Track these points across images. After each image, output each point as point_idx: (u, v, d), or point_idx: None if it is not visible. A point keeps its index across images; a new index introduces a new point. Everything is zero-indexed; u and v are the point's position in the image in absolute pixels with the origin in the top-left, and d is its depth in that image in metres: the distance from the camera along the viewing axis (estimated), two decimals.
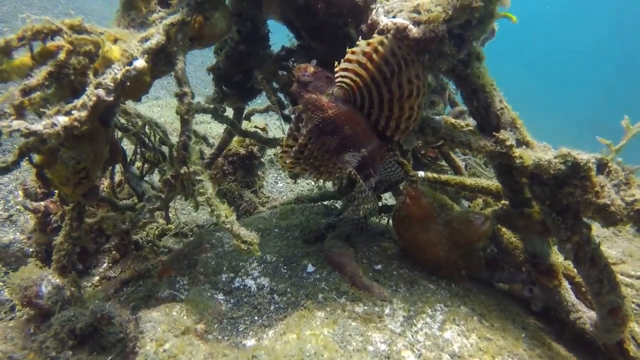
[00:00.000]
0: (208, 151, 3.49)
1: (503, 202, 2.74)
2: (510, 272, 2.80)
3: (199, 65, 14.47)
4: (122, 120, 2.59)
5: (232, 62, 2.72)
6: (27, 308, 2.34)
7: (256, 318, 2.39)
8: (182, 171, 2.10)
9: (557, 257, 2.70)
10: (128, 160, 2.62)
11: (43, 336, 2.18)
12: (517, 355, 2.22)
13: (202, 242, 2.85)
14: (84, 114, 1.86)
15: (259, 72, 2.63)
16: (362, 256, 2.71)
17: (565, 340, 2.73)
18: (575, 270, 2.81)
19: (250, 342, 2.20)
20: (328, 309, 2.30)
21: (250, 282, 2.62)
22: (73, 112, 1.86)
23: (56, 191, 2.62)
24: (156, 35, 2.01)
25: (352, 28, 2.48)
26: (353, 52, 1.98)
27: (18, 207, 3.47)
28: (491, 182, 2.86)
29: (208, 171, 3.22)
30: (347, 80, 2.03)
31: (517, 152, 2.20)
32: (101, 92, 1.87)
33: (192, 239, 2.94)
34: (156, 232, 3.21)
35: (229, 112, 3.09)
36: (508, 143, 2.19)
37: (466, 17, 2.04)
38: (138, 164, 2.65)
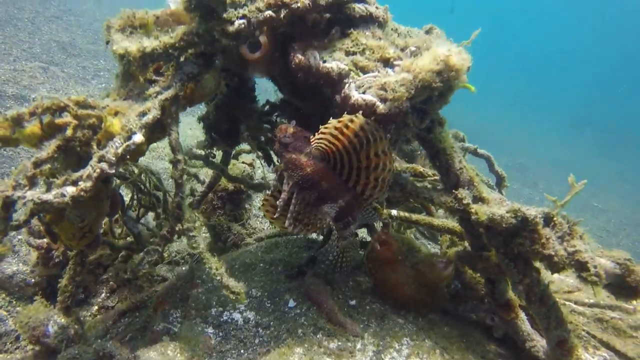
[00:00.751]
0: (199, 188, 3.76)
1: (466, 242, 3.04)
2: (473, 304, 3.11)
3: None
4: (120, 169, 2.85)
5: (221, 112, 2.97)
6: (35, 345, 2.59)
7: (242, 351, 2.66)
8: (177, 228, 2.36)
9: (514, 293, 3.00)
10: (125, 205, 2.88)
11: None
12: None
13: (193, 276, 3.11)
14: (89, 184, 2.12)
15: (245, 127, 2.89)
16: (338, 292, 3.00)
17: None
18: None
19: None
20: (306, 345, 2.58)
21: (237, 316, 2.89)
22: (79, 183, 2.12)
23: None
24: (152, 110, 2.27)
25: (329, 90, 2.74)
26: (326, 127, 2.23)
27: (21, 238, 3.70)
28: (456, 223, 3.15)
29: (197, 209, 3.49)
30: (323, 145, 2.29)
31: (474, 208, 2.48)
32: (104, 165, 2.12)
33: (184, 271, 3.20)
34: (121, 264, 3.48)
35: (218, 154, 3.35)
36: (465, 201, 2.48)
37: (427, 94, 2.33)
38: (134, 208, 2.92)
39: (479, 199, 2.58)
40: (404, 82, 2.28)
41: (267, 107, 2.98)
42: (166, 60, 2.39)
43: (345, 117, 2.19)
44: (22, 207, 2.11)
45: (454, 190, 2.53)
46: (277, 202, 2.41)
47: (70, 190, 2.09)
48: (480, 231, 2.78)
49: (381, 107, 2.30)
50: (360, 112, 2.31)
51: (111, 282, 3.31)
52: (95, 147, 2.23)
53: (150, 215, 3.28)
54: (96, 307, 3.28)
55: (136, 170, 2.86)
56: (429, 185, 2.70)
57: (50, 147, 2.19)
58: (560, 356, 2.77)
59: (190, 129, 6.19)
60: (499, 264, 2.77)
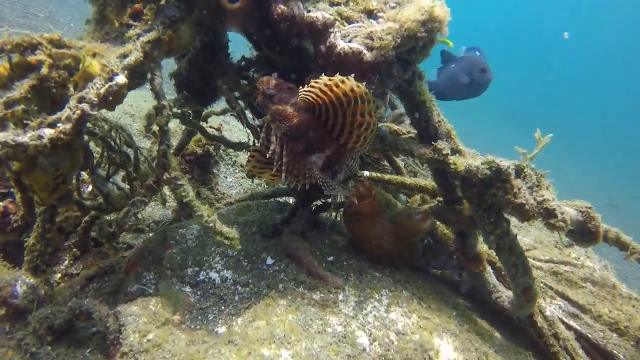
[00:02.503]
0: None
1: (438, 199, 3.14)
2: (443, 260, 3.22)
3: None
4: (89, 125, 2.70)
5: (194, 69, 2.88)
6: (3, 307, 2.43)
7: (223, 308, 2.62)
8: (164, 177, 2.28)
9: (482, 247, 3.14)
10: (94, 162, 2.73)
11: (22, 333, 2.30)
12: (450, 330, 2.62)
13: (166, 239, 3.02)
14: (68, 126, 2.00)
15: (223, 82, 2.83)
16: (315, 249, 3.01)
17: (488, 316, 3.21)
18: (496, 257, 3.27)
19: (221, 329, 2.44)
20: (289, 297, 2.58)
21: (214, 275, 2.84)
22: (58, 124, 2.00)
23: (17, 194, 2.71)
24: (134, 52, 2.17)
25: (308, 44, 2.73)
26: (316, 82, 2.20)
27: None
28: (428, 181, 3.25)
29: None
30: (310, 97, 2.27)
31: (452, 159, 2.57)
32: (86, 106, 2.01)
33: (154, 235, 3.10)
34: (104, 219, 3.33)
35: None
36: (444, 152, 2.56)
37: (412, 45, 2.38)
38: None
39: (456, 151, 2.67)
40: (390, 31, 2.31)
41: (242, 63, 2.93)
42: (145, 1, 2.30)
43: (337, 77, 2.17)
44: None
45: (432, 142, 2.60)
46: (268, 154, 2.36)
47: (49, 132, 1.97)
48: (455, 183, 2.88)
49: (368, 55, 2.32)
50: (346, 61, 2.34)
51: (74, 249, 3.15)
52: (72, 89, 2.11)
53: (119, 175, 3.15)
54: (59, 275, 3.10)
55: (106, 126, 2.72)
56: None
57: (22, 86, 2.04)
58: (524, 303, 2.93)
59: (144, 101, 5.96)
60: (471, 216, 2.89)
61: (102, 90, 2.05)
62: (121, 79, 2.10)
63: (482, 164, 2.62)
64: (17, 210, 3.04)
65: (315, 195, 3.27)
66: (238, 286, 2.78)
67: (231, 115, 3.20)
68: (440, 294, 3.04)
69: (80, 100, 2.04)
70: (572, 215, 2.65)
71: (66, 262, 3.17)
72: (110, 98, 2.11)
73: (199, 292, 2.73)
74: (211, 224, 2.28)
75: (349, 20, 2.45)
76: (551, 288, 3.40)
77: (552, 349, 2.98)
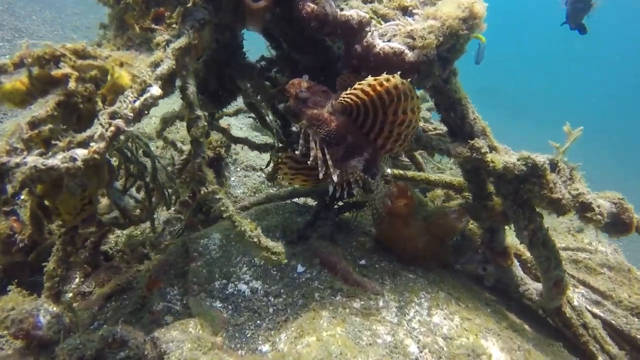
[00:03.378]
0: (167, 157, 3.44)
1: (465, 195, 3.09)
2: (470, 255, 3.19)
3: None
4: None
5: (210, 71, 2.71)
6: (24, 340, 2.25)
7: (259, 322, 2.51)
8: (201, 192, 2.13)
9: (509, 240, 3.11)
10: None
11: None
12: (491, 330, 2.59)
13: (187, 250, 2.87)
14: (102, 145, 1.82)
15: (247, 84, 2.67)
16: (345, 253, 2.92)
17: (514, 309, 3.20)
18: (521, 249, 3.27)
19: (264, 347, 2.33)
20: (330, 308, 2.49)
21: (243, 287, 2.71)
22: (91, 143, 1.82)
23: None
24: (166, 61, 1.99)
25: (337, 42, 2.60)
26: (360, 83, 2.08)
27: None
28: (453, 177, 3.19)
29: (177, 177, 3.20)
30: (349, 100, 2.16)
31: (489, 157, 2.51)
32: (120, 122, 1.83)
33: (173, 247, 2.93)
34: (125, 240, 3.14)
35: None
36: (483, 150, 2.49)
37: (452, 43, 2.28)
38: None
39: (491, 148, 2.61)
40: (432, 29, 2.21)
41: (262, 63, 2.77)
42: (171, 3, 2.11)
43: (383, 76, 2.06)
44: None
45: (469, 140, 2.54)
46: (309, 161, 2.21)
47: (82, 153, 1.79)
48: (487, 180, 2.83)
49: (410, 55, 2.22)
50: (386, 61, 2.22)
51: (85, 266, 2.95)
52: (100, 103, 1.93)
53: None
54: (71, 295, 2.91)
55: (122, 137, 2.52)
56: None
57: (48, 103, 1.85)
58: (556, 295, 2.93)
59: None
60: (503, 212, 2.85)
61: (137, 104, 1.87)
62: (156, 90, 1.93)
63: (518, 160, 2.58)
64: (23, 229, 2.83)
65: (339, 197, 3.16)
66: (270, 297, 2.66)
67: (248, 117, 3.04)
68: (472, 291, 3.01)
69: (113, 115, 1.86)
70: (606, 207, 2.64)
71: (77, 279, 2.97)
72: (146, 112, 1.94)
73: (230, 307, 2.61)
74: (255, 240, 2.15)
75: (384, 18, 2.33)
76: (573, 277, 3.42)
77: (582, 339, 3.00)
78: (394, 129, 2.22)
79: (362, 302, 2.56)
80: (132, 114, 1.86)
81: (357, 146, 2.28)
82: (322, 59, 2.62)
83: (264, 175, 4.86)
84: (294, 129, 2.24)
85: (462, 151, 2.53)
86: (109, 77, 1.92)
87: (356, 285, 2.66)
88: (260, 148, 3.15)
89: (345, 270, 2.71)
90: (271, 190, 4.63)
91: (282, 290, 2.69)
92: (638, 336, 3.12)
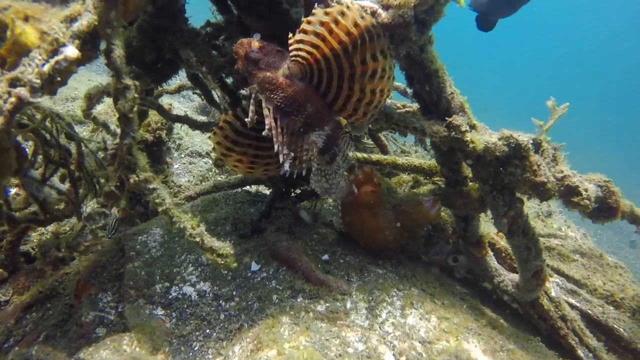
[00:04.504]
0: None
1: (435, 180, 2.81)
2: (440, 246, 2.93)
3: None
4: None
5: (146, 38, 2.29)
6: None
7: (208, 332, 2.15)
8: (131, 180, 1.73)
9: (482, 228, 2.87)
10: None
11: None
12: (472, 330, 2.33)
13: (122, 249, 2.45)
14: (0, 121, 1.41)
15: (190, 52, 2.26)
16: (305, 247, 2.58)
17: (487, 302, 2.98)
18: (494, 238, 3.03)
19: None
20: (292, 313, 2.16)
21: (189, 290, 2.34)
22: None
23: None
24: (86, 15, 1.58)
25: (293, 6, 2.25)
26: (309, 22, 1.72)
27: None
28: (422, 160, 2.90)
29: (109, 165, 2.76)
30: (303, 54, 1.78)
31: (469, 137, 2.23)
32: (23, 92, 1.42)
33: (107, 245, 2.51)
34: (50, 238, 2.69)
35: None
36: (462, 129, 2.21)
37: (432, 2, 1.97)
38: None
39: (470, 126, 2.33)
40: None
41: (208, 29, 2.37)
42: None
43: (335, 7, 1.71)
44: None
45: (447, 118, 2.24)
46: (265, 132, 1.82)
47: None
48: (459, 162, 2.56)
49: (384, 15, 1.89)
50: None
51: (0, 270, 2.48)
52: None
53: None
54: None
55: (38, 115, 2.08)
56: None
57: None
58: (535, 286, 2.72)
59: (88, 80, 5.04)
60: (479, 198, 2.59)
61: (46, 68, 1.46)
62: (71, 51, 1.51)
63: (500, 139, 2.32)
64: None
65: (296, 183, 2.81)
66: (221, 301, 2.31)
67: (194, 93, 2.63)
68: (445, 285, 2.75)
69: (14, 82, 1.44)
70: (592, 190, 2.42)
71: None
72: (58, 78, 1.53)
73: (174, 314, 2.23)
74: (198, 239, 1.77)
75: None
76: (547, 265, 3.23)
77: (560, 332, 2.81)
78: (365, 87, 1.86)
79: (327, 304, 2.24)
80: (39, 80, 1.45)
81: (318, 118, 1.90)
82: (278, 25, 2.25)
83: (211, 161, 4.44)
84: (242, 91, 1.84)
85: (439, 130, 2.24)
86: (8, 34, 1.49)
87: (320, 285, 2.33)
88: (203, 127, 2.74)
89: (306, 267, 2.38)
90: (219, 178, 4.23)
91: (234, 293, 2.34)
92: (615, 326, 2.97)
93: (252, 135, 2.01)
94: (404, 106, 2.75)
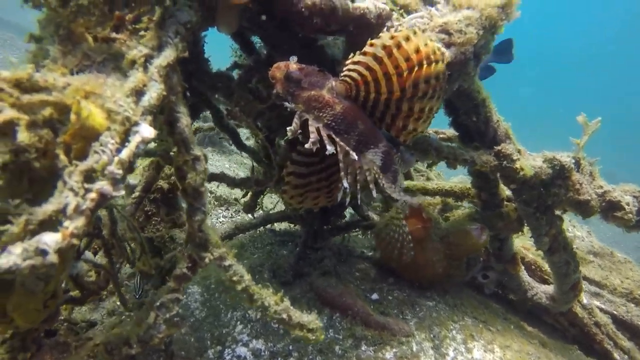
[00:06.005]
0: None
1: (472, 202, 2.79)
2: (476, 268, 2.90)
3: None
4: None
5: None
6: None
7: None
8: (205, 259, 1.58)
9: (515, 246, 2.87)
10: None
11: None
12: (532, 355, 2.33)
13: (155, 322, 2.26)
14: (81, 223, 1.21)
15: (220, 97, 2.09)
16: (353, 288, 2.48)
17: (519, 315, 2.99)
18: (523, 251, 3.05)
19: None
20: None
21: (243, 351, 2.19)
22: (64, 222, 1.20)
23: None
24: (153, 84, 1.40)
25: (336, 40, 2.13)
26: (372, 45, 1.62)
27: None
28: (452, 184, 2.86)
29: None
30: (355, 75, 1.68)
31: (518, 164, 2.20)
32: (106, 186, 1.23)
33: (139, 310, 2.30)
34: (116, 333, 2.43)
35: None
36: (514, 157, 2.18)
37: (489, 37, 1.92)
38: None
39: (518, 153, 2.30)
40: (471, 21, 1.82)
41: (236, 71, 2.21)
42: (146, 2, 1.50)
43: (401, 33, 1.61)
44: None
45: (495, 147, 2.21)
46: (309, 147, 1.67)
47: (52, 240, 1.17)
48: (497, 186, 2.54)
49: (447, 54, 1.81)
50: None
51: (21, 353, 2.22)
52: (63, 156, 1.30)
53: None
54: None
55: None
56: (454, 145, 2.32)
57: None
58: (572, 297, 2.76)
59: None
60: (518, 219, 2.58)
61: (124, 155, 1.27)
62: (147, 130, 1.33)
63: (544, 162, 2.31)
64: None
65: (329, 220, 2.70)
66: (279, 359, 2.17)
67: (220, 138, 2.43)
68: (490, 308, 2.73)
69: (89, 175, 1.25)
70: (631, 203, 2.46)
71: None
72: (136, 165, 1.36)
73: None
74: (284, 316, 1.64)
75: (407, 10, 1.90)
76: None
77: (596, 338, 2.86)
78: (414, 105, 1.74)
79: (394, 350, 2.15)
80: (120, 171, 1.26)
81: (371, 135, 1.76)
82: (312, 62, 2.13)
83: (239, 205, 4.16)
84: (287, 104, 1.67)
85: (489, 159, 2.20)
86: (72, 117, 1.29)
87: (381, 329, 2.24)
88: (243, 184, 2.52)
89: (363, 311, 2.28)
90: (220, 211, 4.03)
91: (291, 348, 2.20)
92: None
93: (312, 169, 1.87)
94: (436, 132, 2.70)
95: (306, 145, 1.64)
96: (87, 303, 2.66)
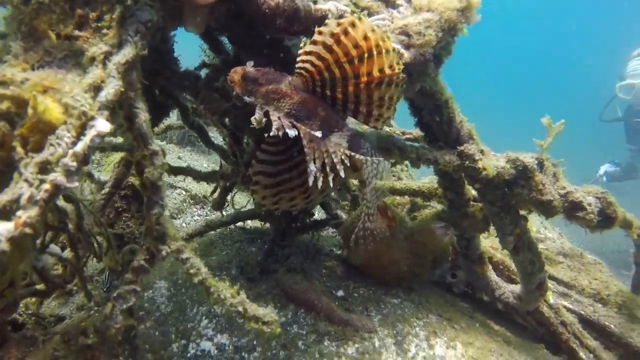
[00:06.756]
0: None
1: (440, 202, 2.84)
2: (443, 266, 2.96)
3: None
4: None
5: None
6: None
7: None
8: (162, 252, 1.61)
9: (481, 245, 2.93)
10: None
11: None
12: (494, 351, 2.38)
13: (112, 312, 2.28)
14: (34, 212, 1.24)
15: (187, 96, 2.13)
16: (318, 284, 2.52)
17: (486, 314, 3.04)
18: (491, 251, 3.10)
19: None
20: (325, 359, 2.10)
21: (207, 345, 2.22)
22: (17, 212, 1.24)
23: None
24: (111, 81, 1.43)
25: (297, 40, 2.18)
26: (320, 33, 1.68)
27: None
28: (420, 183, 2.92)
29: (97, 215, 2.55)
30: (308, 65, 1.73)
31: (481, 164, 2.26)
32: (60, 177, 1.26)
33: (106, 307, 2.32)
34: (72, 323, 2.45)
35: None
36: (476, 157, 2.23)
37: (448, 39, 1.97)
38: None
39: (481, 153, 2.36)
40: (430, 24, 1.88)
41: (203, 71, 2.24)
42: (106, 2, 1.54)
43: (347, 19, 1.65)
44: None
45: (458, 147, 2.26)
46: (273, 132, 1.68)
47: (5, 228, 1.21)
48: (465, 187, 2.60)
49: (406, 55, 1.87)
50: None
51: None
52: (19, 149, 1.34)
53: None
54: None
55: None
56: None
57: None
58: (538, 297, 2.81)
59: None
60: (483, 218, 2.64)
61: (79, 147, 1.30)
62: (103, 125, 1.36)
63: (507, 162, 2.36)
64: None
65: (297, 217, 2.74)
66: (243, 353, 2.20)
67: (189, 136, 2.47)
68: (455, 306, 2.78)
69: (44, 166, 1.29)
70: (593, 203, 2.53)
71: None
72: (92, 157, 1.39)
73: None
74: (240, 308, 1.67)
75: (369, 12, 1.95)
76: None
77: (562, 337, 2.92)
78: (373, 93, 1.78)
79: (357, 345, 2.19)
80: (75, 163, 1.29)
81: (334, 120, 1.80)
82: (279, 63, 2.17)
83: (184, 192, 4.24)
84: (254, 118, 1.70)
85: (452, 159, 2.25)
86: (29, 112, 1.33)
87: (344, 325, 2.28)
88: (209, 178, 2.58)
89: (327, 307, 2.33)
90: (194, 209, 4.06)
91: (255, 343, 2.24)
92: (606, 323, 3.13)
93: (280, 168, 1.90)
94: (403, 133, 2.75)
95: (271, 133, 1.67)
96: (53, 296, 2.69)
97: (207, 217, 3.95)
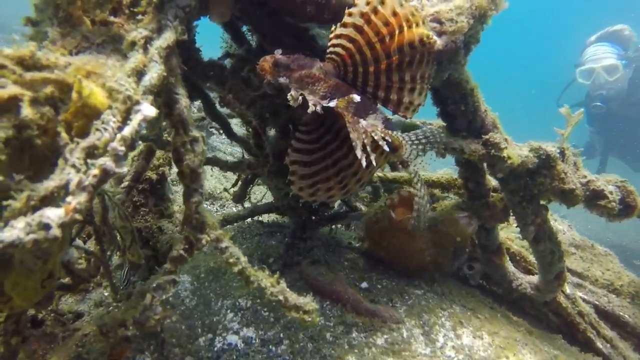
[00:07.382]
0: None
1: (458, 193, 2.84)
2: (463, 258, 2.95)
3: None
4: None
5: None
6: None
7: None
8: (202, 241, 1.59)
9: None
10: None
11: None
12: (520, 341, 2.38)
13: (151, 303, 2.25)
14: (83, 198, 1.22)
15: (222, 89, 2.10)
16: (343, 276, 2.51)
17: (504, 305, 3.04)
18: (508, 242, 3.11)
19: None
20: (356, 351, 2.08)
21: (234, 339, 2.19)
22: (67, 198, 1.21)
23: None
24: (153, 65, 1.41)
25: (326, 29, 2.16)
26: (350, 14, 1.70)
27: None
28: (439, 175, 2.91)
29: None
30: (339, 50, 1.74)
31: (506, 153, 2.26)
32: (109, 162, 1.24)
33: (132, 298, 2.29)
34: (111, 315, 2.40)
35: None
36: (502, 146, 2.23)
37: (478, 27, 1.97)
38: None
39: (505, 142, 2.36)
40: (462, 10, 1.87)
41: (227, 61, 2.22)
42: None
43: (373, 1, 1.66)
44: None
45: (484, 136, 2.26)
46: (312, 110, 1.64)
47: (55, 214, 1.17)
48: (485, 177, 2.60)
49: (438, 42, 1.86)
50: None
51: (6, 343, 2.19)
52: (64, 134, 1.31)
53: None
54: None
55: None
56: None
57: None
58: (557, 287, 2.82)
59: None
60: (503, 208, 2.64)
61: (127, 132, 1.28)
62: (149, 109, 1.33)
63: (530, 151, 2.37)
64: None
65: (318, 210, 2.72)
66: (271, 346, 2.18)
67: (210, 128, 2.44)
68: (476, 297, 2.79)
69: (91, 151, 1.26)
70: (614, 192, 2.54)
71: None
72: (138, 142, 1.36)
73: None
74: (280, 297, 1.66)
75: None
76: None
77: (580, 327, 2.93)
78: (405, 74, 1.79)
79: (386, 336, 2.18)
80: (123, 147, 1.27)
81: (367, 104, 1.81)
82: (304, 53, 2.16)
83: (225, 198, 4.19)
84: (289, 96, 1.68)
85: (477, 148, 2.25)
86: (74, 96, 1.30)
87: (371, 316, 2.27)
88: (236, 168, 2.54)
89: (354, 299, 2.31)
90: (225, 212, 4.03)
91: (281, 335, 2.22)
92: (620, 313, 3.15)
93: (315, 157, 1.88)
94: (423, 123, 2.75)
95: (309, 110, 1.66)
96: (76, 291, 2.64)
97: (221, 213, 3.92)
